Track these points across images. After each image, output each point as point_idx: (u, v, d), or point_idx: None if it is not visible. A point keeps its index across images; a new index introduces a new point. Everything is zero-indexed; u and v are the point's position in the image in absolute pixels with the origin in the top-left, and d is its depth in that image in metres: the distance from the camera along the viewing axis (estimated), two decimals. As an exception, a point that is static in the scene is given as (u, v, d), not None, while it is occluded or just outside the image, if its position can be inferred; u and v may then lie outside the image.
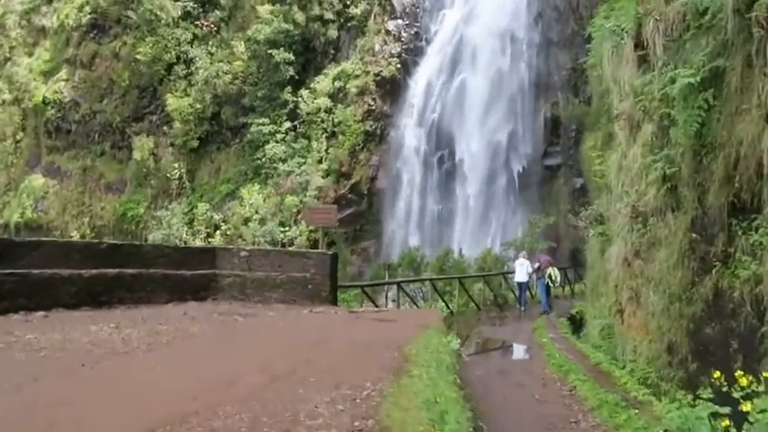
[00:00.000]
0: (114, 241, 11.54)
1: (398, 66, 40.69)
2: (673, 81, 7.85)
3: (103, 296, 9.73)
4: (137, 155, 44.69)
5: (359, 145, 40.25)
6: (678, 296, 7.67)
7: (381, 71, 40.61)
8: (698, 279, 7.25)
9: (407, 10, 42.69)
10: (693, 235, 7.38)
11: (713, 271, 6.88)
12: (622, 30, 9.38)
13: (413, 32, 42.19)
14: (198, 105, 43.18)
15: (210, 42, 44.65)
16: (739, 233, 6.36)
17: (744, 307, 6.23)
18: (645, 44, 8.99)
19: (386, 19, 42.40)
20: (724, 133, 6.47)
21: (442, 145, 38.78)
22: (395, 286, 13.77)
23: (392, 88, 41.02)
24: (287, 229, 38.79)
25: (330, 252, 9.68)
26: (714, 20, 6.80)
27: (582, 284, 24.70)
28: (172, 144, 44.53)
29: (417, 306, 14.57)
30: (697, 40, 7.41)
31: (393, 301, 14.48)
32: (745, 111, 6.09)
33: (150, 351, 5.90)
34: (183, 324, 7.80)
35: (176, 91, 43.95)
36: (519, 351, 10.17)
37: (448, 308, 14.89)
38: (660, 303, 8.16)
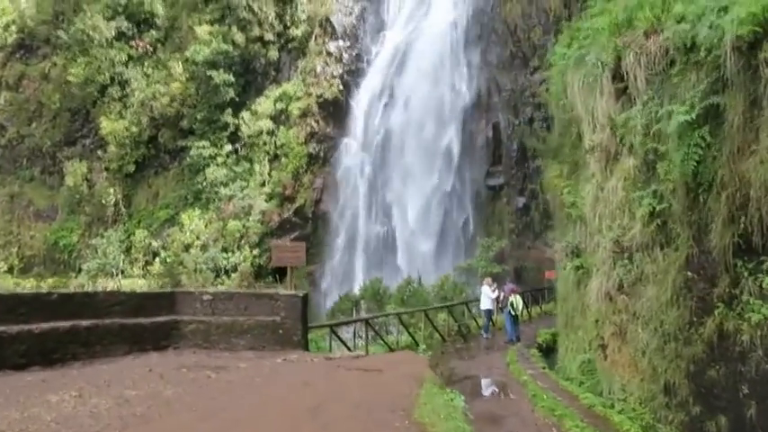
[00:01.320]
0: (65, 290, 10.59)
1: (341, 87, 40.53)
2: (658, 118, 7.75)
3: (56, 353, 8.84)
4: (69, 180, 42.63)
5: (302, 168, 39.72)
6: (674, 336, 7.51)
7: (324, 93, 40.32)
8: (696, 319, 7.10)
9: (348, 31, 42.63)
10: (689, 273, 7.23)
11: (715, 312, 6.72)
12: (601, 63, 9.25)
13: (354, 54, 42.14)
14: (134, 128, 41.65)
15: (146, 63, 43.25)
16: (745, 274, 6.23)
17: (755, 351, 6.08)
18: (624, 77, 8.87)
19: (327, 40, 42.20)
20: (726, 172, 6.34)
21: (385, 165, 38.63)
22: (363, 319, 13.30)
23: (335, 110, 40.75)
24: (230, 254, 37.72)
25: (301, 293, 9.13)
26: (707, 56, 6.67)
27: (538, 307, 24.88)
28: (107, 169, 42.71)
29: (386, 343, 14.12)
30: (685, 76, 7.32)
31: (360, 336, 14.02)
32: (751, 151, 5.94)
33: (125, 430, 5.23)
34: (152, 386, 7.09)
35: (111, 113, 42.28)
36: (501, 392, 9.82)
37: (415, 342, 14.52)
38: (653, 342, 8.00)
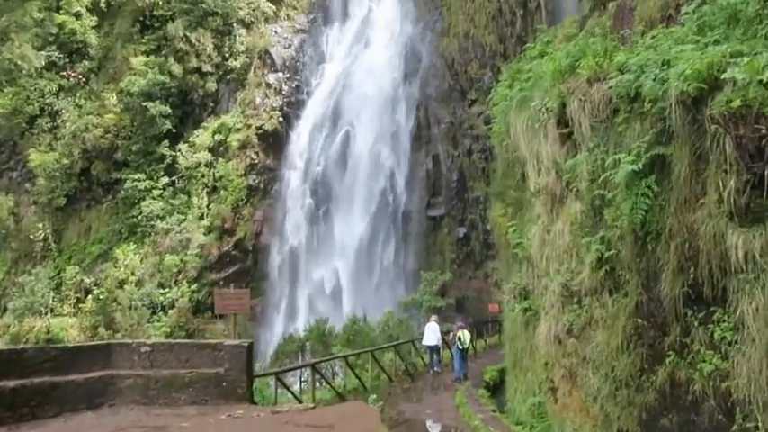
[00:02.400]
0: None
1: (280, 119, 40.29)
2: (605, 165, 7.87)
3: (-24, 421, 8.10)
4: (-6, 215, 40.68)
5: (242, 200, 39.08)
6: (626, 383, 7.54)
7: (263, 124, 39.97)
8: (648, 367, 7.15)
9: (288, 63, 42.56)
10: (639, 320, 7.30)
11: (667, 361, 6.77)
12: (546, 108, 9.39)
13: (294, 86, 42.05)
14: (65, 160, 40.14)
15: (79, 94, 41.96)
16: (696, 324, 6.29)
17: (707, 401, 6.13)
18: (568, 123, 9.01)
19: (266, 72, 41.98)
20: (674, 223, 6.45)
21: (327, 198, 38.44)
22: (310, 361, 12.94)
23: (275, 141, 40.42)
24: (167, 290, 36.57)
25: (246, 343, 8.79)
26: (652, 108, 6.82)
27: (483, 341, 24.95)
28: (35, 202, 40.96)
29: (333, 388, 13.76)
30: (630, 125, 7.47)
31: (305, 381, 13.65)
32: (699, 204, 6.05)
33: None
34: (86, 452, 6.62)
35: (40, 145, 40.71)
36: (456, 440, 9.67)
37: (362, 384, 14.24)
38: (604, 388, 8.02)
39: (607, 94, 8.27)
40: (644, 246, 7.20)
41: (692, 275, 6.30)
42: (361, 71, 39.74)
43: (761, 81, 5.22)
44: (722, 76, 5.64)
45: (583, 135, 8.75)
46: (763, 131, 5.40)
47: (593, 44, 9.71)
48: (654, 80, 6.91)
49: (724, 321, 5.97)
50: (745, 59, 5.48)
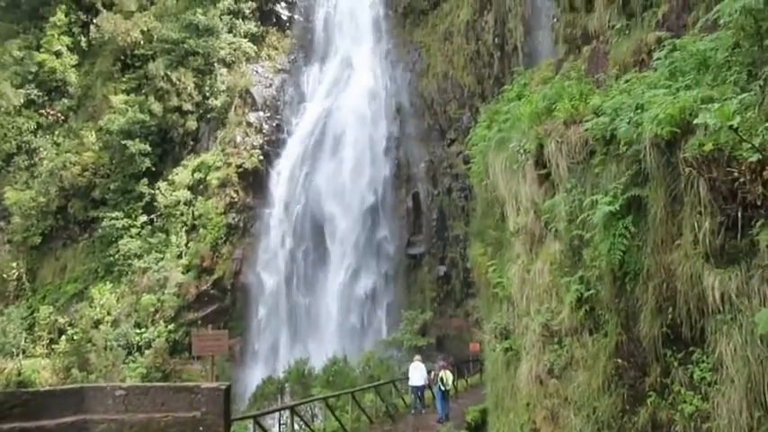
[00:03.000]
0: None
1: (261, 157, 40.36)
2: (582, 206, 7.97)
3: (-60, 469, 7.93)
4: (-34, 254, 39.96)
5: (221, 238, 38.85)
6: (608, 424, 7.52)
7: (243, 163, 40.00)
8: (629, 407, 7.14)
9: (268, 103, 42.85)
10: (619, 361, 7.31)
11: (648, 401, 6.78)
12: (523, 150, 9.53)
13: (274, 125, 42.28)
14: (41, 198, 39.73)
15: (57, 132, 41.81)
16: (676, 365, 6.32)
17: (689, 443, 6.12)
18: (546, 164, 9.14)
19: (247, 111, 42.20)
20: (651, 263, 6.53)
21: (307, 236, 38.35)
22: (288, 409, 12.71)
23: (255, 180, 40.42)
24: (143, 330, 35.97)
25: (224, 386, 8.66)
26: (627, 150, 6.96)
27: (464, 380, 24.76)
28: (9, 241, 40.36)
29: (312, 430, 13.53)
30: (606, 166, 7.60)
31: (284, 424, 13.39)
32: (676, 245, 6.14)
33: None
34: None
35: (16, 183, 40.31)
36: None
37: (342, 427, 13.99)
38: (587, 429, 7.97)
39: (583, 136, 8.42)
40: (623, 286, 7.25)
41: (670, 316, 6.35)
42: (341, 111, 40.09)
43: (731, 126, 5.35)
44: (694, 121, 5.79)
45: (560, 176, 8.86)
46: (736, 174, 5.53)
47: (569, 87, 9.91)
48: (628, 123, 7.06)
49: (703, 362, 6.00)
50: (716, 105, 5.63)
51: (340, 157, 39.03)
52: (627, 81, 9.01)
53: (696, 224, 5.83)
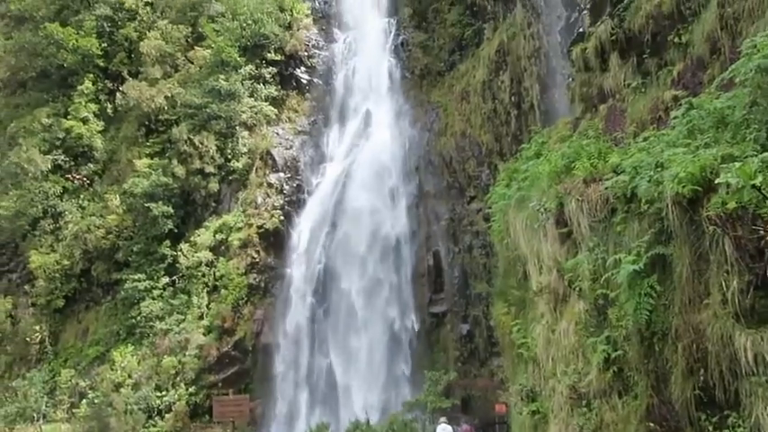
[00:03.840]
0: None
1: (281, 218, 40.67)
2: (606, 265, 7.90)
3: None
4: (-9, 318, 40.29)
5: (242, 299, 38.82)
6: (642, 491, 7.25)
7: (264, 223, 40.32)
8: (663, 473, 6.89)
9: (289, 163, 43.45)
10: (652, 425, 7.10)
11: (683, 467, 6.55)
12: (544, 208, 9.54)
13: (295, 185, 42.74)
14: (66, 261, 40.23)
15: (82, 196, 42.62)
16: (710, 429, 6.12)
17: None
18: (567, 222, 9.13)
19: (267, 172, 42.78)
20: (680, 323, 6.40)
21: (327, 296, 38.26)
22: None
23: (276, 240, 40.64)
24: (164, 393, 35.67)
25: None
26: (649, 208, 6.93)
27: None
28: (33, 304, 40.66)
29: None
30: (628, 225, 7.56)
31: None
32: (704, 304, 6.04)
33: None
34: None
35: (41, 247, 40.90)
36: None
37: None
38: (620, 496, 7.70)
39: (604, 194, 8.44)
40: (651, 346, 7.11)
41: (702, 378, 6.20)
42: (360, 170, 40.53)
43: (754, 185, 5.34)
44: (716, 180, 5.77)
45: (582, 234, 8.85)
46: (761, 233, 5.47)
47: (588, 146, 9.99)
48: (649, 181, 7.06)
49: (739, 426, 5.82)
50: (737, 163, 5.63)
51: (359, 216, 39.22)
52: (645, 139, 9.08)
53: (724, 283, 5.75)
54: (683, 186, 6.22)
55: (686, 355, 6.39)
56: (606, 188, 8.31)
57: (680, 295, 6.52)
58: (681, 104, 8.32)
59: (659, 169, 7.02)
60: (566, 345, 9.33)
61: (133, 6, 47.39)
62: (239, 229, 40.41)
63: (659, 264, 6.97)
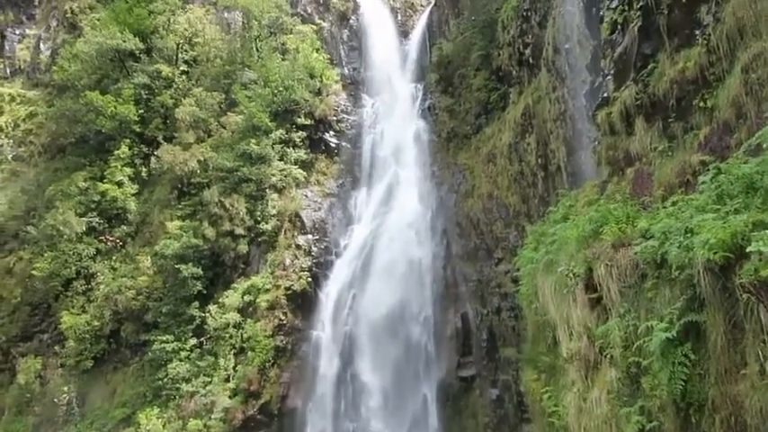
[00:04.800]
0: None
1: (309, 279, 40.83)
2: (638, 333, 7.77)
3: None
4: (21, 378, 40.49)
5: (269, 361, 38.61)
6: None
7: (292, 285, 40.46)
8: None
9: (317, 225, 43.88)
10: (689, 500, 6.81)
11: None
12: (573, 274, 9.47)
13: (323, 247, 43.02)
14: (96, 322, 40.63)
15: (115, 257, 43.34)
16: (753, 507, 5.85)
17: None
18: (597, 288, 9.03)
19: (296, 234, 43.19)
20: (716, 394, 6.23)
21: (354, 359, 37.92)
22: None
23: (303, 302, 40.65)
24: (188, 457, 35.23)
25: None
26: (680, 274, 6.85)
27: None
28: (62, 365, 40.90)
29: None
30: (660, 291, 7.46)
31: None
32: (741, 375, 5.88)
33: None
34: None
35: (73, 308, 41.43)
36: None
37: None
38: None
39: (633, 259, 8.37)
40: (687, 418, 6.91)
41: (742, 451, 5.99)
42: (388, 232, 40.75)
43: (787, 253, 5.27)
44: (747, 249, 5.72)
45: (612, 300, 8.74)
46: (796, 301, 5.38)
47: (615, 210, 9.98)
48: (679, 247, 7.01)
49: (784, 504, 5.58)
50: (768, 231, 5.58)
51: (386, 278, 39.19)
52: (673, 203, 9.04)
53: (761, 353, 5.61)
54: (715, 253, 6.16)
55: (724, 428, 6.20)
56: (635, 253, 8.25)
57: (715, 365, 6.37)
58: (708, 169, 8.31)
59: (689, 235, 6.97)
60: (598, 414, 9.08)
61: (170, 75, 49.22)
62: (267, 291, 40.55)
63: (693, 332, 6.84)
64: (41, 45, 55.64)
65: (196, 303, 40.43)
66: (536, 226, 15.69)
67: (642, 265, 8.09)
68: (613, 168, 15.09)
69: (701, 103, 11.26)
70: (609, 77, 15.17)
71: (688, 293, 6.87)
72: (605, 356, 8.99)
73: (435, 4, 53.59)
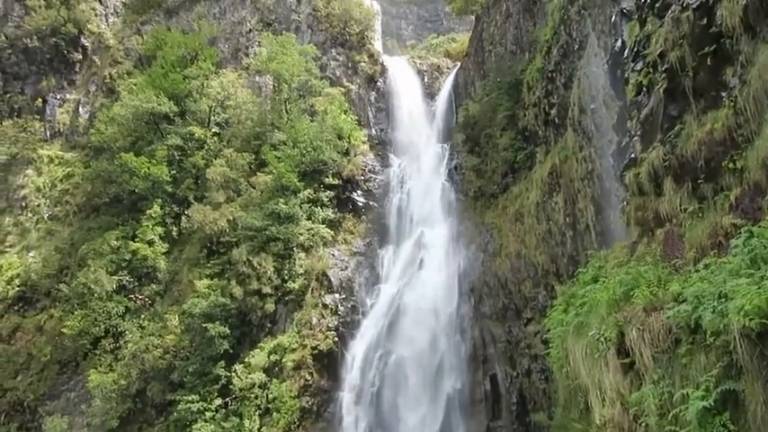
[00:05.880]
0: None
1: (335, 339, 40.59)
2: (673, 401, 7.55)
3: None
4: (46, 438, 40.50)
5: (294, 423, 38.08)
6: None
7: (318, 345, 40.21)
8: None
9: (344, 284, 43.87)
10: None
11: None
12: (604, 338, 9.29)
13: (349, 306, 42.88)
14: (123, 381, 40.60)
15: (143, 316, 43.68)
16: None
17: None
18: (629, 352, 8.84)
19: (323, 293, 43.18)
20: (758, 470, 5.96)
21: (381, 421, 37.21)
22: None
23: (329, 362, 40.29)
24: None
25: None
26: (715, 340, 6.68)
27: None
28: (88, 424, 40.79)
29: None
30: (695, 357, 7.27)
31: None
32: (782, 448, 5.65)
33: None
34: None
35: (100, 366, 41.58)
36: None
37: None
38: None
39: (666, 324, 8.20)
40: (728, 490, 6.62)
41: None
42: (415, 292, 40.53)
43: (825, 320, 5.14)
44: (784, 315, 5.58)
45: (645, 366, 8.53)
46: (838, 370, 5.20)
47: (646, 272, 9.85)
48: (713, 312, 6.87)
49: None
50: (805, 297, 5.45)
51: (414, 338, 38.77)
52: (706, 266, 8.89)
53: (803, 426, 5.42)
54: (751, 319, 6.02)
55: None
56: (668, 318, 8.09)
57: (755, 436, 6.14)
58: (741, 233, 8.20)
59: (723, 300, 6.83)
60: (635, 486, 8.75)
61: (202, 136, 50.58)
62: (293, 350, 40.31)
63: (731, 400, 6.63)
64: (80, 109, 57.81)
65: (222, 363, 40.29)
66: (565, 287, 15.50)
67: (675, 329, 7.91)
68: (643, 229, 14.92)
69: (731, 165, 11.17)
70: (636, 138, 15.19)
71: (724, 360, 6.69)
72: (640, 424, 8.70)
73: (461, 67, 54.67)
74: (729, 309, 6.44)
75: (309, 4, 59.74)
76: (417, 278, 41.76)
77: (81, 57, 60.17)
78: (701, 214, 12.17)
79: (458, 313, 39.59)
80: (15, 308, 46.12)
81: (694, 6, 11.93)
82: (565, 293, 14.57)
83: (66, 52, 59.08)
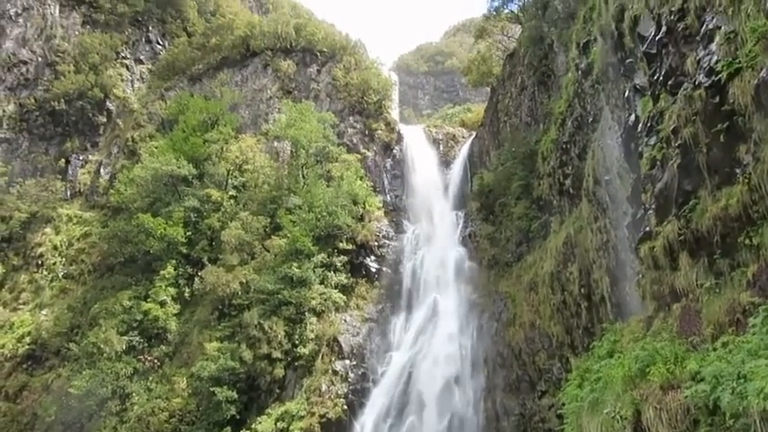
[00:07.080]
0: None
1: (345, 407, 39.76)
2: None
3: None
4: (46, 502, 39.48)
5: (300, 494, 36.91)
6: None
7: (327, 412, 39.37)
8: None
9: (355, 351, 43.29)
10: None
11: None
12: (620, 417, 9.04)
13: (360, 373, 42.18)
14: (126, 446, 39.86)
15: (151, 377, 43.18)
16: None
17: None
18: (646, 431, 8.57)
19: (333, 359, 42.59)
20: None
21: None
22: None
23: (338, 431, 39.31)
24: None
25: None
26: (734, 423, 6.47)
27: None
28: (89, 490, 39.82)
29: None
30: (713, 442, 7.00)
31: None
32: None
33: None
34: None
35: (105, 428, 40.84)
36: None
37: None
38: None
39: (684, 403, 7.99)
40: None
41: None
42: (427, 360, 39.86)
43: None
44: (804, 401, 5.43)
45: (664, 450, 8.26)
46: None
47: (662, 349, 9.68)
48: (732, 393, 6.70)
49: None
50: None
51: (425, 409, 37.91)
52: (724, 345, 8.72)
53: None
54: (769, 403, 5.85)
55: None
56: (686, 397, 7.90)
57: None
58: (759, 311, 8.07)
59: (742, 380, 6.67)
60: None
61: (219, 199, 51.22)
62: (301, 418, 39.44)
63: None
64: (102, 170, 59.04)
65: (228, 429, 39.45)
66: (580, 360, 15.21)
67: (694, 410, 7.70)
68: (659, 303, 14.71)
69: (747, 241, 11.10)
70: (650, 212, 15.17)
71: (744, 448, 6.47)
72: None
73: (476, 136, 55.45)
74: (749, 390, 6.28)
75: (329, 73, 61.47)
76: (429, 346, 41.14)
77: (105, 120, 61.95)
78: (718, 290, 12.01)
79: (471, 384, 38.77)
80: (24, 366, 45.89)
81: (706, 85, 12.11)
82: (579, 367, 14.27)
83: (91, 115, 60.89)
